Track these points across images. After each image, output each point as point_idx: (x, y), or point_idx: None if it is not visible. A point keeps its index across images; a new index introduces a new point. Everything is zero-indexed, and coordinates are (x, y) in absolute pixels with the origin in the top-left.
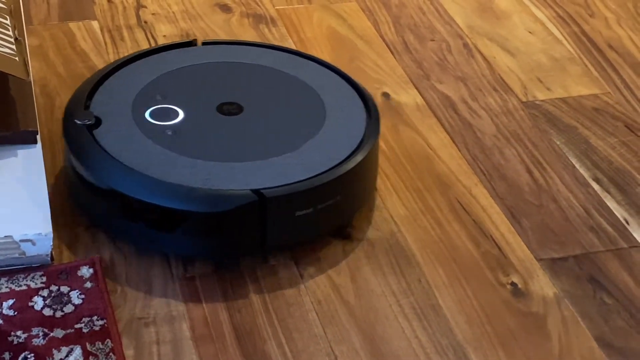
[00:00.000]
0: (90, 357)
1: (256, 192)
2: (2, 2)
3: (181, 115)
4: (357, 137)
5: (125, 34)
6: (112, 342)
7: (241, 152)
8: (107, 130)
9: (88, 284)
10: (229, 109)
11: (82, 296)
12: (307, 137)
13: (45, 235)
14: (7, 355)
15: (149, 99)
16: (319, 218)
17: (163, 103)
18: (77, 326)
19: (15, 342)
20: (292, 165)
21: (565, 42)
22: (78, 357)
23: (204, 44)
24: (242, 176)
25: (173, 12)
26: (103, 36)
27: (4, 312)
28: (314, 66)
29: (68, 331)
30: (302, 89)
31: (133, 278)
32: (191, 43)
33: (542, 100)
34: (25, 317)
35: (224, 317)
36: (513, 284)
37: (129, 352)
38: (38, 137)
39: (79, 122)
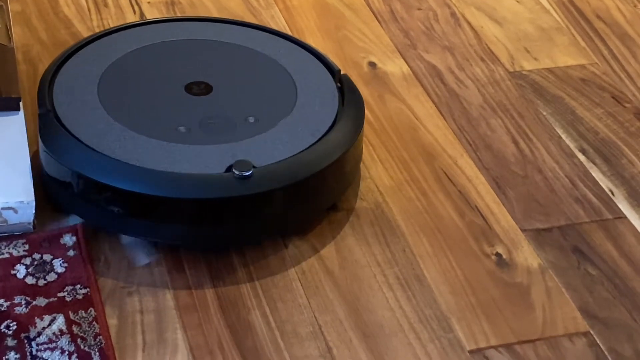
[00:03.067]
0: (73, 325)
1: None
2: None
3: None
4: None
5: (109, 0)
6: (95, 310)
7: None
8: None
9: (71, 252)
10: (198, 88)
11: (65, 264)
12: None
13: (28, 203)
14: None
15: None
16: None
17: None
18: (59, 295)
19: None
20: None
21: (552, 11)
22: (61, 326)
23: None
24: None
25: None
26: (87, 2)
27: None
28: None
29: (51, 299)
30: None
31: (116, 247)
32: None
33: (529, 71)
34: (7, 285)
35: (207, 286)
36: (497, 254)
37: (112, 321)
38: (21, 104)
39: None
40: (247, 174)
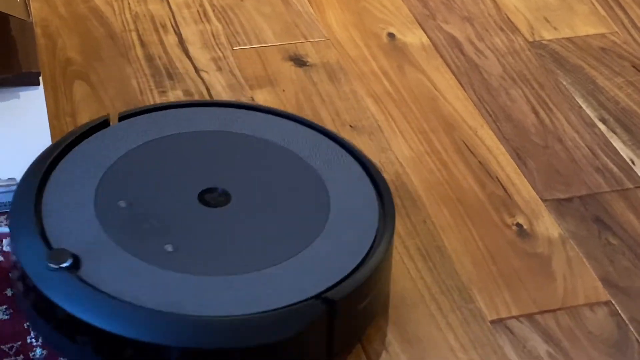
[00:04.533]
0: None
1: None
2: None
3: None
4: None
5: None
6: None
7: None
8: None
9: None
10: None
11: None
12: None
13: None
14: (9, 291)
15: (110, 204)
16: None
17: (135, 210)
18: None
19: None
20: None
21: None
22: None
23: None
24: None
25: None
26: None
27: (4, 249)
28: (310, 134)
29: None
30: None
31: None
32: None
33: (548, 40)
34: None
35: None
36: (518, 225)
37: None
38: (40, 78)
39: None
40: (64, 265)
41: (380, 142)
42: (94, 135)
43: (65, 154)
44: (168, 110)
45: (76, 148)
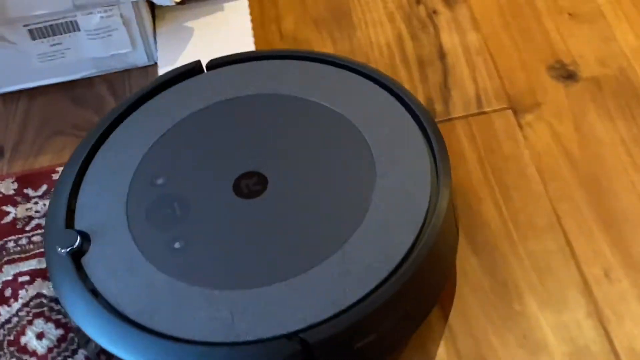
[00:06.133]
0: None
1: (297, 337)
2: None
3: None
4: (419, 214)
5: None
6: None
7: (267, 266)
8: (96, 256)
9: None
10: (248, 185)
11: None
12: (349, 229)
13: None
14: None
15: (146, 187)
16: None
17: (165, 190)
18: None
19: None
20: (336, 281)
21: None
22: None
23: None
24: (273, 311)
25: None
26: None
27: None
28: (368, 86)
29: None
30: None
31: None
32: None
33: None
34: None
35: None
36: None
37: None
38: None
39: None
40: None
41: (602, 31)
42: (167, 91)
43: (134, 109)
44: (257, 63)
45: (144, 105)
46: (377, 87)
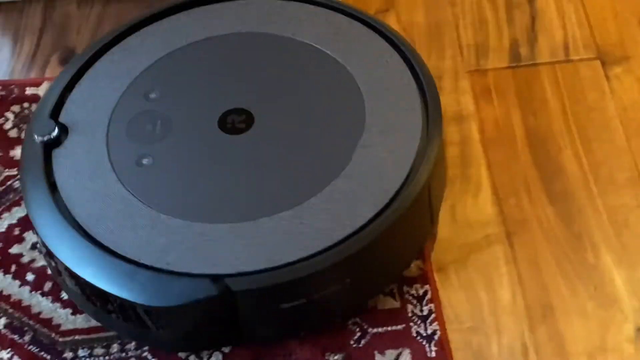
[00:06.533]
0: None
1: (219, 281)
2: None
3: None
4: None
5: None
6: None
7: (221, 205)
8: (66, 151)
9: None
10: (235, 121)
11: None
12: (331, 175)
13: None
14: None
15: (138, 98)
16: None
17: (153, 106)
18: None
19: None
20: (280, 238)
21: None
22: None
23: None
24: (209, 250)
25: None
26: None
27: None
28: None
29: None
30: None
31: None
32: None
33: None
34: None
35: (516, 119)
36: None
37: None
38: None
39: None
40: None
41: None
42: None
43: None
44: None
45: (161, 21)
46: (374, 34)
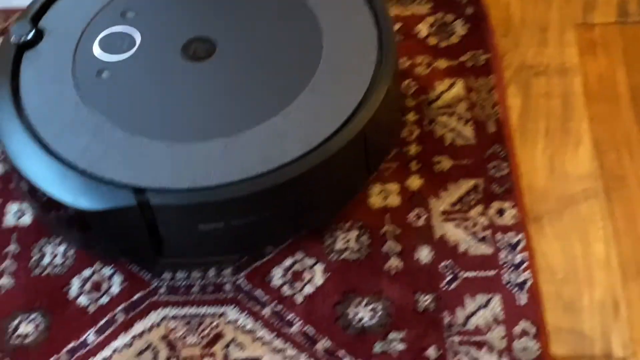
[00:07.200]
0: (472, 92)
1: (141, 193)
2: None
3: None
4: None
5: None
6: (495, 78)
7: (168, 122)
8: (36, 54)
9: (469, 10)
10: (197, 49)
11: (467, 25)
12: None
13: None
14: None
15: (114, 15)
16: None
17: (126, 23)
18: (460, 59)
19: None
20: (211, 160)
21: None
22: (460, 91)
23: None
24: (137, 163)
25: None
26: None
27: None
28: None
29: (451, 63)
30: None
31: (528, 21)
32: None
33: None
34: (409, 45)
35: (621, 76)
36: None
37: (515, 102)
38: None
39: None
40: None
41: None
42: None
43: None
44: None
45: None
46: None
